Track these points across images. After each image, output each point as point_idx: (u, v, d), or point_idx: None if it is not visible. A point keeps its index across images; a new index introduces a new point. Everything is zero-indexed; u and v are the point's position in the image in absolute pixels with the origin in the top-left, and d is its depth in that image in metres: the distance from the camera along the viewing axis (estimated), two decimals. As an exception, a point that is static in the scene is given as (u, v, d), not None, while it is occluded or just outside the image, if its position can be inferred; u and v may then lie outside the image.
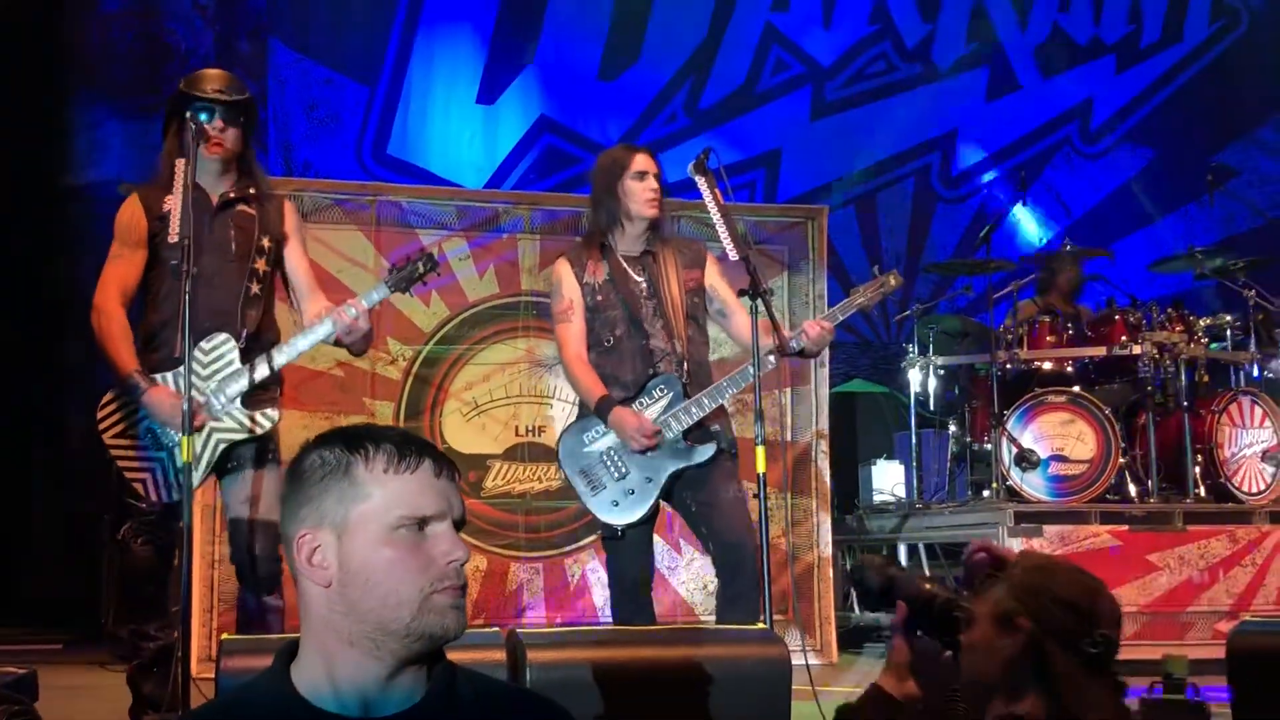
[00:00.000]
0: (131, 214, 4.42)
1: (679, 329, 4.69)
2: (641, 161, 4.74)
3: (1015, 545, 6.59)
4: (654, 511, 4.67)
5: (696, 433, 4.64)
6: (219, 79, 4.52)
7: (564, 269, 4.81)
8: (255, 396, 4.37)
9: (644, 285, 4.74)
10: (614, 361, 4.70)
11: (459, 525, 1.84)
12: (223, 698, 1.93)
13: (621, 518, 4.61)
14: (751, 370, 4.55)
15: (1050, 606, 2.25)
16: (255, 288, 4.45)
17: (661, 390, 4.64)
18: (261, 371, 4.35)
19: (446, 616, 1.80)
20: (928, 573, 7.52)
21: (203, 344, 4.28)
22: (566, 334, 4.76)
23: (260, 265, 4.47)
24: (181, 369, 4.28)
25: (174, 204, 4.22)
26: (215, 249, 4.34)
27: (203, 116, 4.37)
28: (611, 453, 4.63)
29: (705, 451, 4.63)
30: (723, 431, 4.72)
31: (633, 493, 4.61)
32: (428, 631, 1.79)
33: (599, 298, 4.73)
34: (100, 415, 4.35)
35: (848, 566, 8.24)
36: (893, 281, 4.84)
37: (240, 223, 4.44)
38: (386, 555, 1.78)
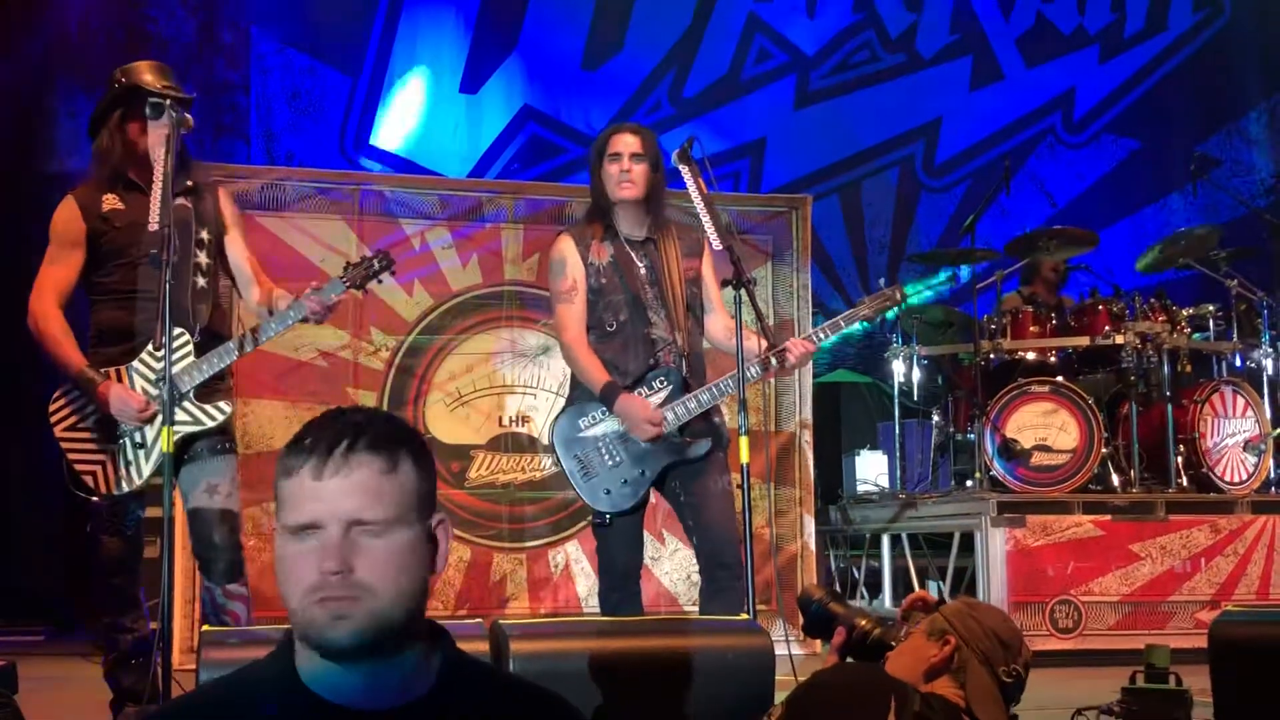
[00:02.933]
0: (68, 216, 4.40)
1: (679, 319, 4.65)
2: (615, 143, 4.68)
3: (999, 535, 6.61)
4: (644, 501, 4.65)
5: (696, 425, 4.61)
6: (163, 72, 4.49)
7: (568, 247, 4.72)
8: (208, 389, 4.36)
9: (645, 271, 4.69)
10: (615, 348, 4.65)
11: (361, 525, 1.76)
12: (227, 678, 1.90)
13: (611, 506, 4.58)
14: (752, 371, 4.53)
15: (979, 631, 2.69)
16: (201, 281, 4.44)
17: (661, 382, 4.60)
18: (224, 360, 4.36)
19: (325, 629, 1.75)
20: (911, 565, 7.55)
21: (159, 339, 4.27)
22: (568, 315, 4.68)
23: (202, 259, 4.46)
24: (134, 362, 4.31)
25: (154, 192, 4.20)
26: (159, 245, 4.26)
27: (148, 111, 4.35)
28: (607, 439, 4.60)
29: (701, 447, 4.60)
30: (721, 425, 4.71)
31: (625, 482, 4.58)
32: (312, 640, 1.76)
33: (603, 280, 4.66)
34: (52, 409, 4.34)
35: (830, 559, 8.27)
36: (897, 295, 4.83)
37: (180, 216, 4.39)
38: (280, 560, 1.79)
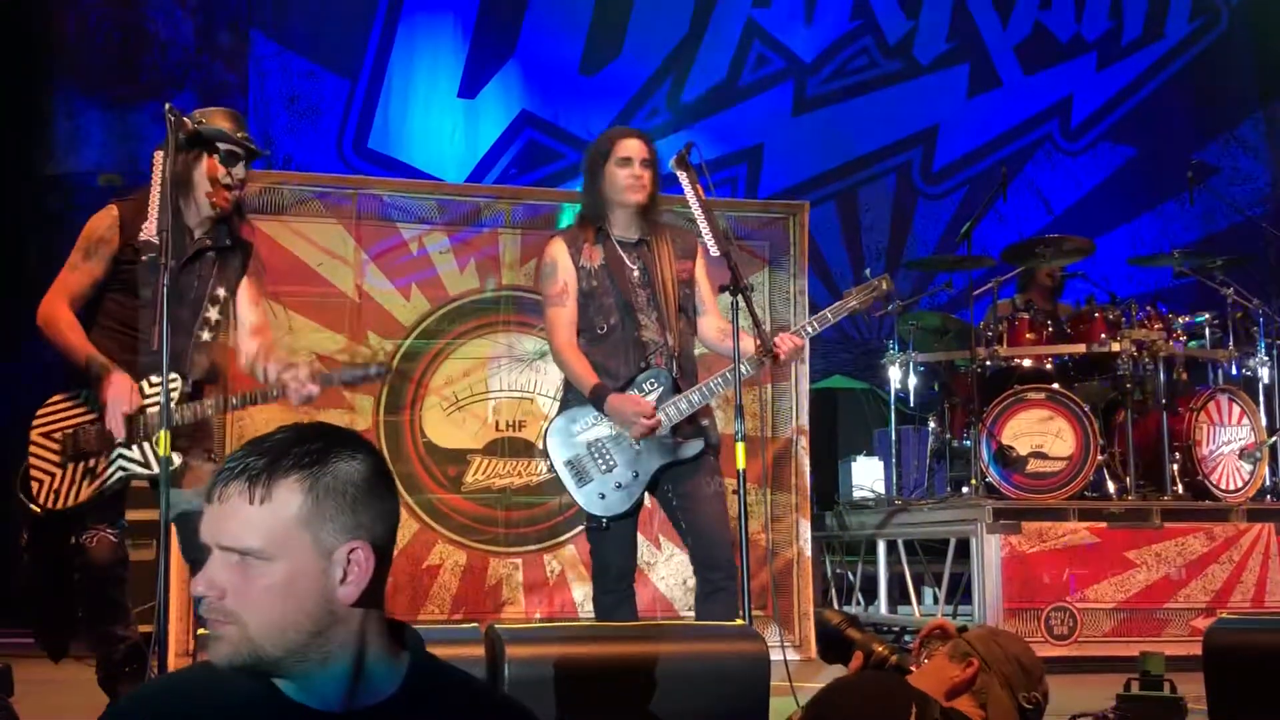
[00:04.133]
0: (107, 229, 4.37)
1: (671, 321, 4.65)
2: (625, 147, 4.67)
3: (994, 541, 6.61)
4: (639, 504, 4.65)
5: (685, 428, 4.62)
6: (241, 122, 4.49)
7: (559, 250, 4.72)
8: (180, 436, 4.28)
9: (638, 274, 4.68)
10: (605, 351, 4.64)
11: (228, 553, 1.77)
12: (198, 668, 1.93)
13: (607, 510, 4.58)
14: (743, 369, 4.53)
15: (1001, 656, 2.75)
16: (205, 335, 4.44)
17: (652, 384, 4.59)
18: (198, 416, 4.36)
19: (208, 646, 1.79)
20: (907, 570, 7.54)
21: (151, 377, 4.27)
22: (558, 319, 4.69)
23: (213, 315, 4.46)
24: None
25: (152, 195, 4.18)
26: (179, 290, 4.27)
27: (218, 157, 4.36)
28: (600, 444, 4.60)
29: (693, 447, 4.60)
30: (710, 427, 4.71)
31: (619, 486, 4.58)
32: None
33: (594, 283, 4.66)
34: (41, 412, 4.33)
35: (826, 565, 8.27)
36: (884, 286, 4.81)
37: (203, 270, 4.42)
38: None
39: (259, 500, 1.76)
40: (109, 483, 4.29)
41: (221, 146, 4.37)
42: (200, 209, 4.40)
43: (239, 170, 4.40)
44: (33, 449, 4.31)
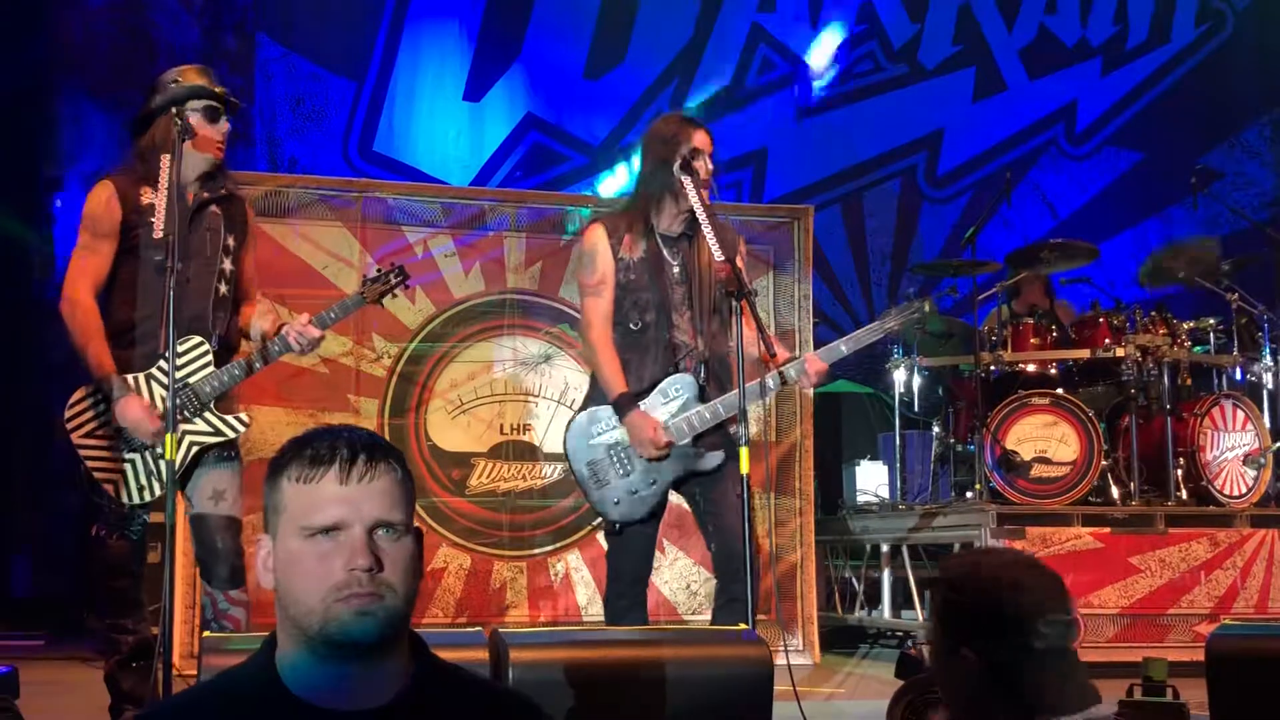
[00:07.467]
0: (106, 203, 4.38)
1: (705, 323, 4.60)
2: (701, 139, 4.60)
3: (997, 546, 6.61)
4: (658, 510, 4.63)
5: (708, 438, 4.57)
6: (215, 76, 4.53)
7: (599, 238, 4.63)
8: (226, 400, 4.39)
9: (677, 269, 4.63)
10: (637, 350, 4.59)
11: (384, 527, 1.87)
12: (209, 682, 1.99)
13: (623, 515, 4.57)
14: (770, 383, 4.52)
15: (957, 624, 2.14)
16: (223, 288, 4.47)
17: (678, 390, 4.56)
18: (240, 375, 4.38)
19: (349, 624, 1.83)
20: (910, 575, 7.53)
21: (177, 347, 4.25)
22: (595, 310, 4.62)
23: (227, 265, 4.48)
24: (153, 369, 4.30)
25: (159, 199, 4.20)
26: (190, 251, 4.31)
27: (195, 113, 4.38)
28: (619, 448, 4.57)
29: (713, 460, 4.57)
30: (736, 435, 4.64)
31: (636, 492, 4.56)
32: (333, 638, 1.83)
33: (632, 276, 4.60)
34: (70, 414, 4.33)
35: (830, 570, 8.26)
36: (926, 308, 4.79)
37: (210, 224, 4.45)
38: (295, 563, 1.86)
39: (403, 479, 1.91)
40: (188, 459, 4.30)
41: (201, 103, 4.41)
42: (196, 166, 4.42)
43: (222, 124, 4.45)
44: (85, 453, 4.31)
